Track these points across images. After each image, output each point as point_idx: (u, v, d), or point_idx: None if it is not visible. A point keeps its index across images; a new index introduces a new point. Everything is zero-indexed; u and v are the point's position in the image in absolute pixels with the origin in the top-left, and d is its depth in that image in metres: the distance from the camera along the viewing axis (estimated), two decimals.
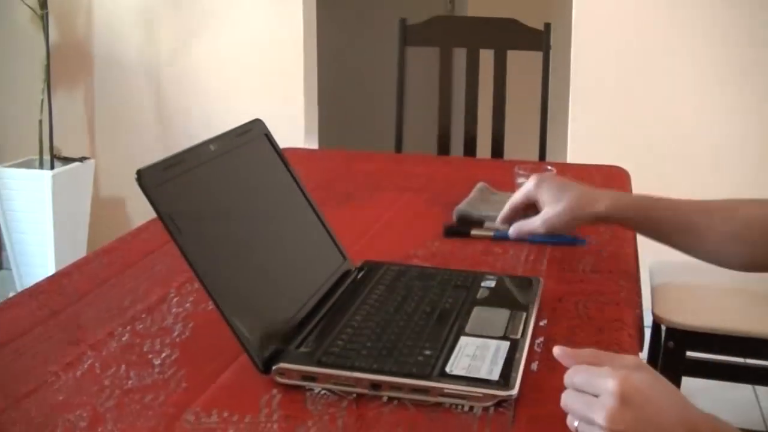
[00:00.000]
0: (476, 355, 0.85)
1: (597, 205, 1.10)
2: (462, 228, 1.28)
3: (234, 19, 2.88)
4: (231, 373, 0.86)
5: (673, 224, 1.08)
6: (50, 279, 1.12)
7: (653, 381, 0.70)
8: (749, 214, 1.05)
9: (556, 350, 0.75)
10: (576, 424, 0.70)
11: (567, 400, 0.72)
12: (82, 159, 3.00)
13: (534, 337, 0.92)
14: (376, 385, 0.81)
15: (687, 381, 1.63)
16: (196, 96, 2.96)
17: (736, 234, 1.05)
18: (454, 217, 1.35)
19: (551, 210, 1.12)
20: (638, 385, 0.68)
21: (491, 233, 1.24)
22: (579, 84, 2.66)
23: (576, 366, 0.73)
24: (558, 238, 1.20)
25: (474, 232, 1.25)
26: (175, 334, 0.95)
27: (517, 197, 1.18)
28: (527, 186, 1.16)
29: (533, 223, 1.15)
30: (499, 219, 1.21)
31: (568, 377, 0.72)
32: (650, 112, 2.61)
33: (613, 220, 1.12)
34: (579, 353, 0.75)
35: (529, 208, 1.17)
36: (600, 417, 0.67)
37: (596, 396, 0.69)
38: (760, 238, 1.03)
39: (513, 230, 1.18)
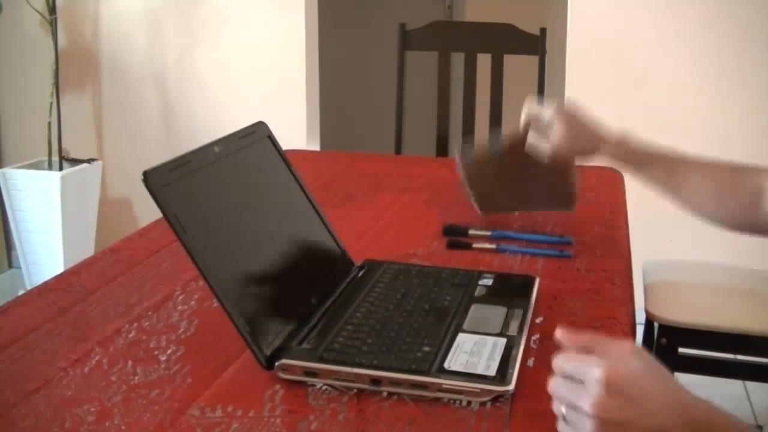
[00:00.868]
0: (474, 352, 0.86)
1: (599, 152, 1.18)
2: (463, 241, 1.28)
3: (238, 24, 2.89)
4: (235, 369, 0.87)
5: (663, 182, 1.16)
6: (58, 277, 1.13)
7: (645, 368, 0.70)
8: (731, 180, 1.12)
9: (559, 331, 0.75)
10: (563, 410, 0.70)
11: (555, 386, 0.72)
12: (89, 160, 3.01)
13: (530, 334, 0.94)
14: (376, 381, 0.82)
15: (679, 377, 1.64)
16: (200, 99, 2.97)
17: (719, 195, 1.13)
18: (457, 152, 1.32)
19: (563, 146, 1.17)
20: (626, 374, 0.68)
21: (493, 246, 1.25)
22: (574, 87, 2.67)
23: (565, 354, 0.73)
24: (546, 251, 1.23)
25: (476, 245, 1.26)
26: (181, 330, 0.96)
27: (536, 109, 1.22)
28: (549, 109, 1.20)
29: (544, 146, 1.19)
30: (523, 120, 1.23)
31: (557, 364, 0.72)
32: (643, 114, 2.62)
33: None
34: (579, 337, 0.74)
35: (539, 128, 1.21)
36: (586, 404, 0.67)
37: (583, 383, 0.69)
38: (744, 202, 1.10)
39: (532, 137, 1.21)
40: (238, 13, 2.88)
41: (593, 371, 0.68)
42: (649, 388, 0.69)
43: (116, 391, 0.82)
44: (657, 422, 0.67)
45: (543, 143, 1.19)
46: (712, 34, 2.55)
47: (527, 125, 1.22)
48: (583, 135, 1.18)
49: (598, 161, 1.21)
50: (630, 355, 0.71)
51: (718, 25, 2.54)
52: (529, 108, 1.23)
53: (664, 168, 1.16)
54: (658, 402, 0.68)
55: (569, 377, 0.71)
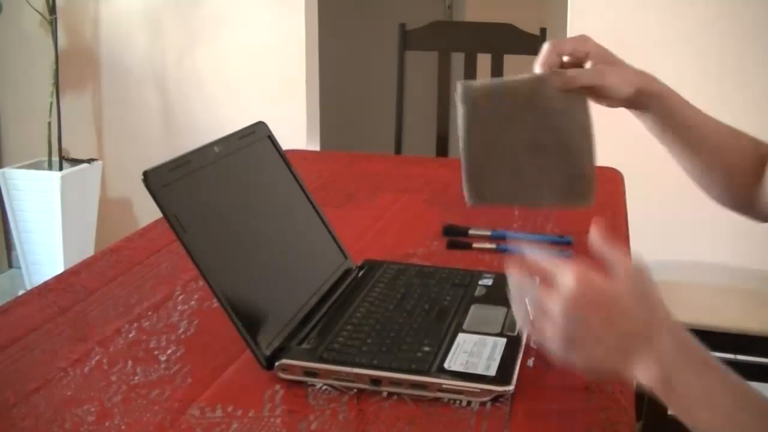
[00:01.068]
0: (474, 352, 0.86)
1: (647, 86, 1.08)
2: (463, 241, 1.27)
3: (238, 24, 2.90)
4: (235, 369, 0.87)
5: (679, 144, 1.11)
6: (58, 277, 1.13)
7: (631, 285, 0.70)
8: (740, 152, 1.11)
9: (593, 233, 0.73)
10: (530, 309, 0.70)
11: (524, 285, 0.71)
12: (89, 160, 3.01)
13: (530, 334, 0.94)
14: (376, 381, 0.82)
15: None
16: (201, 99, 2.97)
17: (725, 167, 1.11)
18: (457, 89, 1.02)
19: (613, 75, 1.05)
20: (603, 284, 0.68)
21: (494, 246, 1.24)
22: None
23: (540, 256, 0.72)
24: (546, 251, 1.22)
25: (476, 245, 1.25)
26: (181, 330, 0.96)
27: (570, 43, 1.01)
28: (584, 36, 1.02)
29: (586, 72, 1.01)
30: (543, 57, 0.99)
31: (530, 260, 0.72)
32: None
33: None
34: (611, 247, 0.73)
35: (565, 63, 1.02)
36: (555, 304, 0.67)
37: (554, 286, 0.68)
38: (746, 177, 1.08)
39: (567, 76, 0.99)
40: (238, 13, 2.88)
41: (567, 275, 0.68)
42: (625, 298, 0.69)
43: (116, 391, 0.82)
44: (625, 327, 0.67)
45: (589, 74, 1.01)
46: (714, 34, 2.54)
47: (550, 66, 0.99)
48: (628, 69, 1.06)
49: (630, 93, 1.07)
50: (622, 271, 0.70)
51: (720, 25, 2.54)
52: (558, 45, 0.99)
53: (691, 124, 1.10)
54: (632, 308, 0.68)
55: (541, 277, 0.70)
